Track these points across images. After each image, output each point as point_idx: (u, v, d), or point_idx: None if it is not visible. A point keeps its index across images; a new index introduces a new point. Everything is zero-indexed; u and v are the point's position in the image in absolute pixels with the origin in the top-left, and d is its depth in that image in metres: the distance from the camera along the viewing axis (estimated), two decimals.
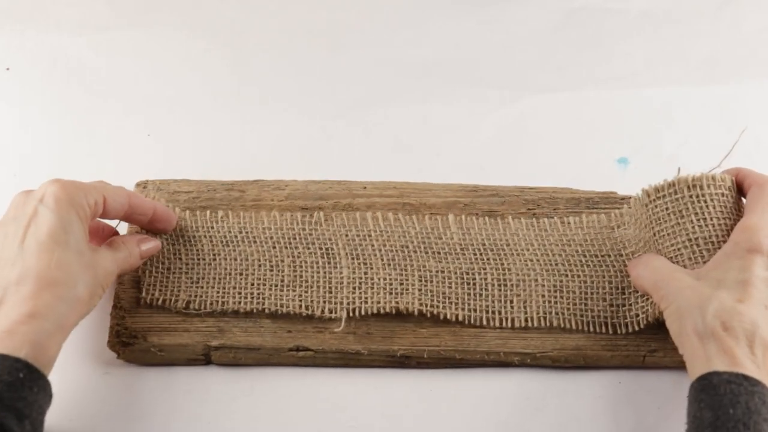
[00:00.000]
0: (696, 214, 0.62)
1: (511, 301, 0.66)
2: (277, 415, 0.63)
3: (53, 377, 0.65)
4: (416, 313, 0.66)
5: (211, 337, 0.65)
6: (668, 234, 0.63)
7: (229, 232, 0.69)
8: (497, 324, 0.65)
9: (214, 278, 0.67)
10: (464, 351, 0.65)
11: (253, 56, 0.85)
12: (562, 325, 0.65)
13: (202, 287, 0.66)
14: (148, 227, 0.67)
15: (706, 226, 0.62)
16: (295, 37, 0.86)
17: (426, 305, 0.66)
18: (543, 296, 0.66)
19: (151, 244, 0.66)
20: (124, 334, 0.65)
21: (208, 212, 0.70)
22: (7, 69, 0.83)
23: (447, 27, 0.87)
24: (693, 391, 0.54)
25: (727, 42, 0.85)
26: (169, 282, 0.67)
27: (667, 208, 0.63)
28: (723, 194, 0.63)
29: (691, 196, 0.62)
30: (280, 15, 0.87)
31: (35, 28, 0.85)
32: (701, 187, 0.62)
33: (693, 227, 0.62)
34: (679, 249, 0.62)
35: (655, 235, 0.64)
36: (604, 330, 0.65)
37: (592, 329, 0.65)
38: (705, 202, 0.62)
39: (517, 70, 0.85)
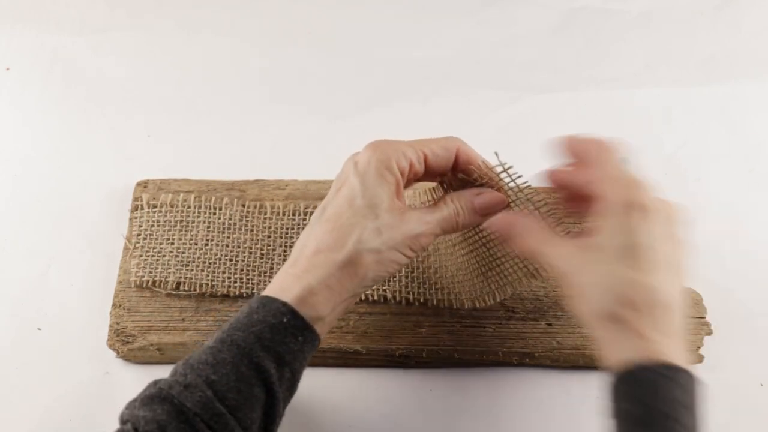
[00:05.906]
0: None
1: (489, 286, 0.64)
2: None
3: (52, 376, 0.65)
4: (404, 302, 0.66)
5: (209, 336, 0.64)
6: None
7: (230, 219, 0.69)
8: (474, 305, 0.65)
9: (204, 262, 0.67)
10: (463, 350, 0.65)
11: (253, 56, 0.85)
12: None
13: (192, 270, 0.67)
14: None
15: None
16: (295, 37, 0.86)
17: (413, 293, 0.66)
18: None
19: (487, 198, 0.59)
20: (123, 333, 0.65)
21: (213, 198, 0.70)
22: (7, 69, 0.83)
23: (447, 27, 0.87)
24: (615, 383, 0.50)
25: (727, 42, 0.85)
26: (159, 264, 0.67)
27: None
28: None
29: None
30: (280, 15, 0.87)
31: (35, 28, 0.86)
32: None
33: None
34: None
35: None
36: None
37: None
38: None
39: (517, 70, 0.85)
